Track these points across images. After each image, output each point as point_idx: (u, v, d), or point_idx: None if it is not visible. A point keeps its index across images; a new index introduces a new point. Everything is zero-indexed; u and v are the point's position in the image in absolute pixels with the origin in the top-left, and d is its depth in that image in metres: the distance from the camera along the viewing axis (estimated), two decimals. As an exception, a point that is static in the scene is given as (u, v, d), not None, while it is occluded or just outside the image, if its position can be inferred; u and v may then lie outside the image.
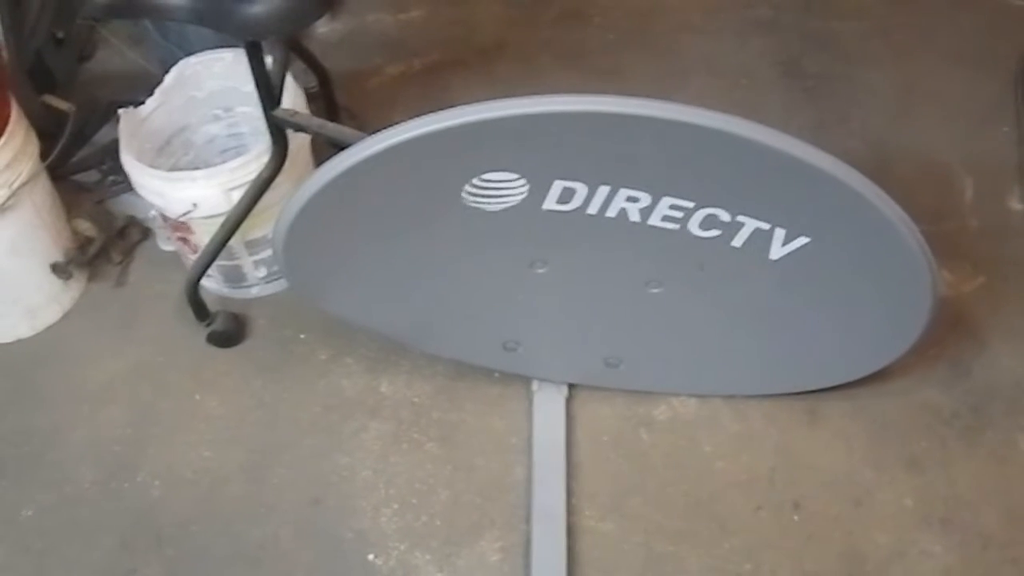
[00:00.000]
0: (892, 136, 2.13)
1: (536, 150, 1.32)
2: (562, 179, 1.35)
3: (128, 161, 1.72)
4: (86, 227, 1.91)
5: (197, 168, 1.73)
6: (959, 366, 1.74)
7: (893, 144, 2.12)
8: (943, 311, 1.51)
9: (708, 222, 1.38)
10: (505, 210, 1.39)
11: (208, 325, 1.82)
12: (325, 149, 1.62)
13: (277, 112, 1.61)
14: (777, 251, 1.41)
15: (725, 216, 1.37)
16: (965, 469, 1.62)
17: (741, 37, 2.36)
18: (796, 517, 1.58)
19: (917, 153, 2.09)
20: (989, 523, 1.56)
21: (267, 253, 1.82)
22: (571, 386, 1.73)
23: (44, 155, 1.80)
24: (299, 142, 1.72)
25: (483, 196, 1.38)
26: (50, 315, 1.89)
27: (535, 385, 1.72)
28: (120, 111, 1.76)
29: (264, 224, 1.73)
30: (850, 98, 2.21)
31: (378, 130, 1.33)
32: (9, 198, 1.69)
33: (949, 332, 1.76)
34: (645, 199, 1.36)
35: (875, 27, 2.37)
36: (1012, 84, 2.20)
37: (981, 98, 2.20)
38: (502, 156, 1.33)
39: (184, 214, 1.71)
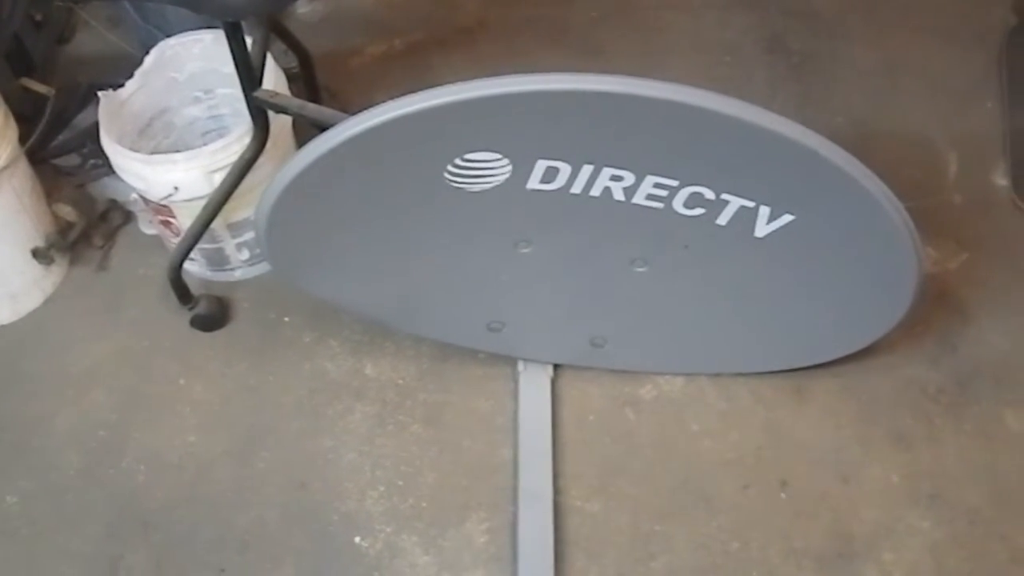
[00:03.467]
0: (876, 112, 2.13)
1: (519, 129, 1.32)
2: (545, 158, 1.34)
3: (108, 144, 1.70)
4: (67, 211, 1.90)
5: (178, 151, 1.72)
6: (945, 342, 1.75)
7: (877, 120, 2.11)
8: (928, 287, 1.52)
9: (693, 200, 1.38)
10: (488, 190, 1.39)
11: (191, 309, 1.81)
12: (307, 130, 1.61)
13: (258, 93, 1.59)
14: (762, 229, 1.40)
15: (710, 194, 1.36)
16: (952, 445, 1.63)
17: (723, 14, 2.35)
18: (784, 495, 1.59)
19: (901, 129, 2.09)
20: (976, 499, 1.57)
21: (250, 235, 1.81)
22: (556, 366, 1.73)
23: (23, 139, 1.79)
24: (281, 123, 1.71)
25: (466, 176, 1.37)
26: (32, 300, 1.87)
27: (520, 365, 1.72)
28: (100, 94, 1.75)
29: (246, 206, 1.72)
30: (833, 74, 2.21)
31: (359, 110, 1.32)
32: (-12, 183, 1.68)
33: (934, 308, 1.76)
34: (629, 178, 1.35)
35: (858, 3, 2.36)
36: (996, 59, 2.20)
37: (965, 73, 2.19)
38: (484, 136, 1.33)
39: (166, 197, 1.70)
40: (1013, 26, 2.24)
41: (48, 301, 1.89)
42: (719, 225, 1.40)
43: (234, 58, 1.54)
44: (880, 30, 2.30)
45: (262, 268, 1.89)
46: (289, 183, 1.40)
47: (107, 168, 1.82)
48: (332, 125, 1.35)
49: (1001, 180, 1.98)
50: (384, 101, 1.30)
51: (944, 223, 1.89)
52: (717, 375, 1.71)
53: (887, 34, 2.29)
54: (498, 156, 1.34)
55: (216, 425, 1.71)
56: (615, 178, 1.35)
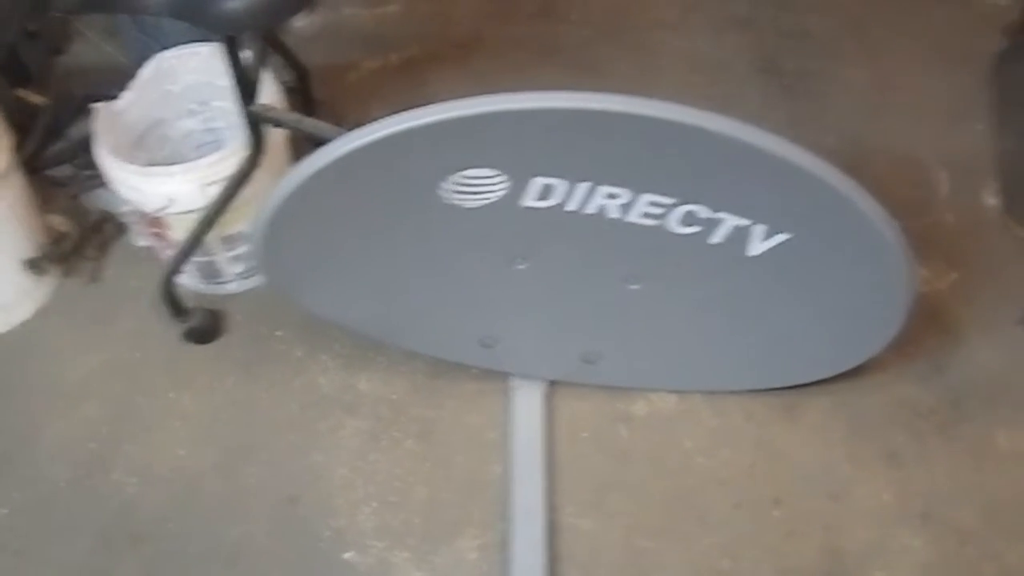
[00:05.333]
0: (868, 132, 2.14)
1: (515, 147, 1.32)
2: (541, 176, 1.34)
3: (103, 156, 1.70)
4: (60, 222, 1.90)
5: (173, 163, 1.72)
6: (936, 361, 1.75)
7: (869, 140, 2.12)
8: (919, 307, 1.52)
9: (687, 219, 1.38)
10: (484, 207, 1.39)
11: (184, 321, 1.80)
12: (303, 144, 1.62)
13: (254, 107, 1.60)
14: (756, 248, 1.41)
15: (704, 213, 1.37)
16: (943, 464, 1.63)
17: (717, 33, 2.37)
18: (775, 513, 1.59)
19: (892, 149, 2.10)
20: (967, 518, 1.57)
21: (244, 249, 1.81)
22: (550, 382, 1.73)
23: (18, 149, 1.78)
24: (276, 137, 1.71)
25: (462, 193, 1.38)
26: (24, 311, 1.87)
27: (513, 381, 1.72)
28: (95, 105, 1.74)
29: (241, 220, 1.72)
30: (826, 94, 2.22)
31: (356, 126, 1.33)
32: (-19, 193, 1.67)
33: (925, 328, 1.77)
34: (624, 195, 1.36)
35: (850, 23, 2.38)
36: (986, 80, 2.22)
37: (956, 94, 2.21)
38: (480, 153, 1.33)
39: (160, 209, 1.70)
40: (1003, 48, 2.26)
41: (40, 312, 1.88)
42: (713, 243, 1.41)
43: (230, 72, 1.54)
44: (872, 51, 2.31)
45: (255, 281, 1.89)
46: (285, 198, 1.40)
47: (101, 179, 1.82)
48: (328, 140, 1.36)
49: (991, 200, 1.99)
50: (380, 116, 1.30)
51: (935, 242, 1.90)
52: (710, 392, 1.71)
53: (878, 55, 2.30)
54: (494, 173, 1.35)
55: (207, 439, 1.70)
56: (611, 196, 1.36)
